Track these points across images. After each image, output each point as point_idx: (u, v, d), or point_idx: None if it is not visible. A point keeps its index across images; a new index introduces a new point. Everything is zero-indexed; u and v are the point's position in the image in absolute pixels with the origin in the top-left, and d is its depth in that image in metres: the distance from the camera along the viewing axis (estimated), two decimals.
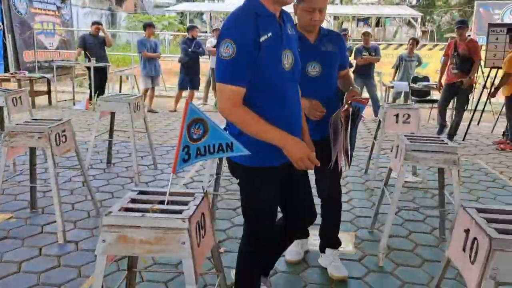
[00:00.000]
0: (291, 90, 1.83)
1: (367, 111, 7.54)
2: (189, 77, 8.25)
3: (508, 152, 5.93)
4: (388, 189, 3.35)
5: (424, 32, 27.65)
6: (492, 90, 6.41)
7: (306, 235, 2.86)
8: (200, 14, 29.27)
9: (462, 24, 6.35)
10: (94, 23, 8.52)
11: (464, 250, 1.66)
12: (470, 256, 1.60)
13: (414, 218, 3.62)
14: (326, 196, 2.66)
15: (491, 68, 7.26)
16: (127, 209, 1.64)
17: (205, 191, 1.82)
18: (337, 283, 2.63)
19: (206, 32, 17.34)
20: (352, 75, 2.51)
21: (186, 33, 8.77)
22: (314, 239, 2.97)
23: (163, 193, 1.76)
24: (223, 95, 1.69)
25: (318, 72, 2.40)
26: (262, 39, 1.66)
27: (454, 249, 1.76)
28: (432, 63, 10.28)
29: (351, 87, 2.44)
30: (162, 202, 1.71)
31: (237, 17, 1.69)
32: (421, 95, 8.29)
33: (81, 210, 3.60)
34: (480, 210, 1.71)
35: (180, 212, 1.60)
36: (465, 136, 6.64)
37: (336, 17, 25.99)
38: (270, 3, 1.71)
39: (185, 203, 1.70)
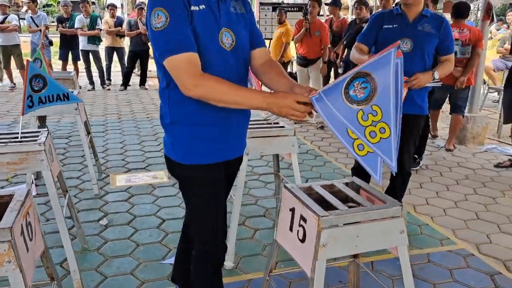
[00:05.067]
0: (232, 69, 1.54)
1: None
2: None
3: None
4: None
5: None
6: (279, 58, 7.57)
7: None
8: None
9: (333, 4, 6.63)
10: None
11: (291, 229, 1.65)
12: (297, 235, 1.60)
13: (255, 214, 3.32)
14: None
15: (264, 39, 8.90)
16: None
17: (47, 130, 2.45)
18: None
19: None
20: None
21: None
22: None
23: (15, 133, 2.34)
24: (177, 71, 1.41)
25: (409, 49, 2.66)
26: (193, 8, 1.44)
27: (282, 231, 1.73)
28: None
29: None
30: (16, 138, 2.30)
31: None
32: None
33: None
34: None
35: (35, 140, 2.24)
36: None
37: None
38: None
39: (36, 137, 2.32)
